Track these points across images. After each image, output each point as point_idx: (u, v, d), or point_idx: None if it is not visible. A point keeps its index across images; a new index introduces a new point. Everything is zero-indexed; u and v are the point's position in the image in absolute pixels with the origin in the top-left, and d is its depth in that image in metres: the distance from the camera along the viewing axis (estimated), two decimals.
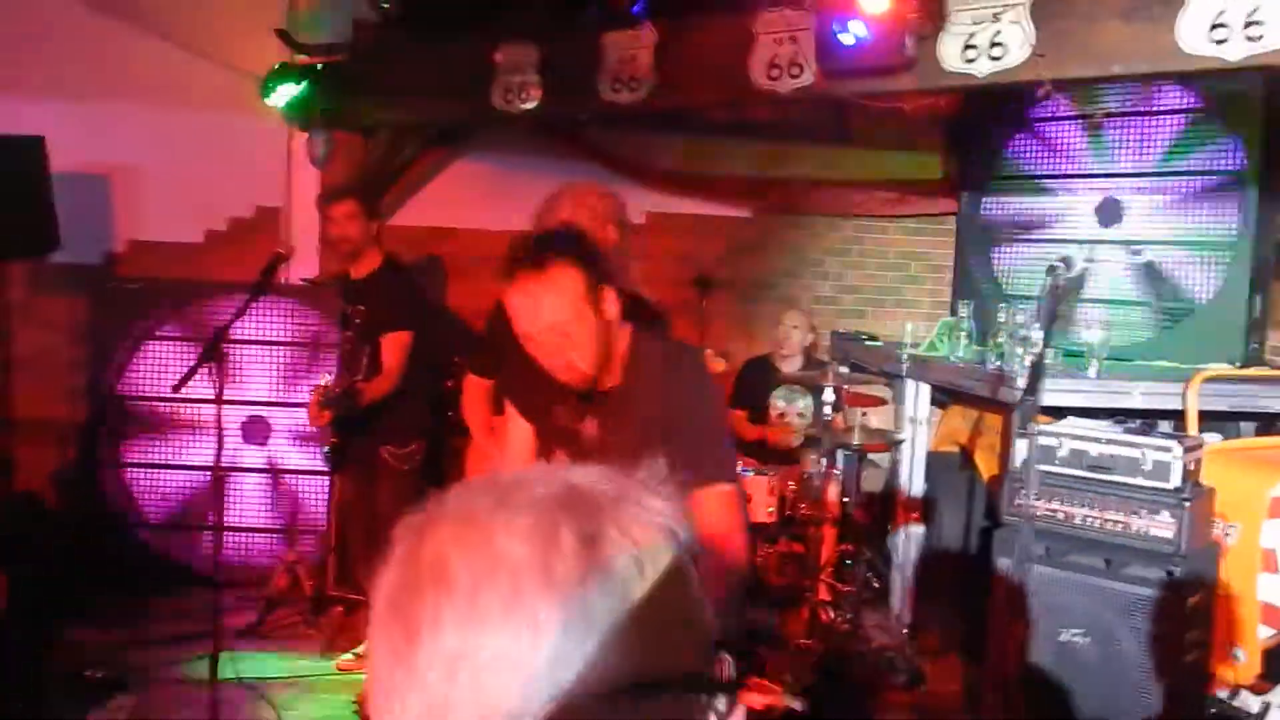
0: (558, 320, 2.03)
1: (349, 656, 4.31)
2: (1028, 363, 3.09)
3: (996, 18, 3.22)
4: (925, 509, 4.72)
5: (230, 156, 5.47)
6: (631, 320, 2.22)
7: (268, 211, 5.59)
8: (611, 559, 0.68)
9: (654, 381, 2.14)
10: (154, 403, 4.94)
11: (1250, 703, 3.27)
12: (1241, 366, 4.32)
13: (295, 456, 5.05)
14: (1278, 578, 3.52)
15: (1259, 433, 4.17)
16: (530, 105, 4.40)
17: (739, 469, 2.18)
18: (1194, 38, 2.97)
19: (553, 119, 4.62)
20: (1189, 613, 3.39)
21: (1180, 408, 3.89)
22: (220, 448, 3.34)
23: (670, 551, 0.72)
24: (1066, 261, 2.75)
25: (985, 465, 4.55)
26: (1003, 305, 4.55)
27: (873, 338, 5.28)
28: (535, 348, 2.07)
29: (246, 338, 4.93)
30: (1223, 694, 3.33)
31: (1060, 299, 2.76)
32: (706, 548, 2.01)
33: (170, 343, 4.94)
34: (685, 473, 2.05)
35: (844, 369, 4.97)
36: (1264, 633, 3.54)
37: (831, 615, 4.46)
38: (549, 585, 0.66)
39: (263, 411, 5.03)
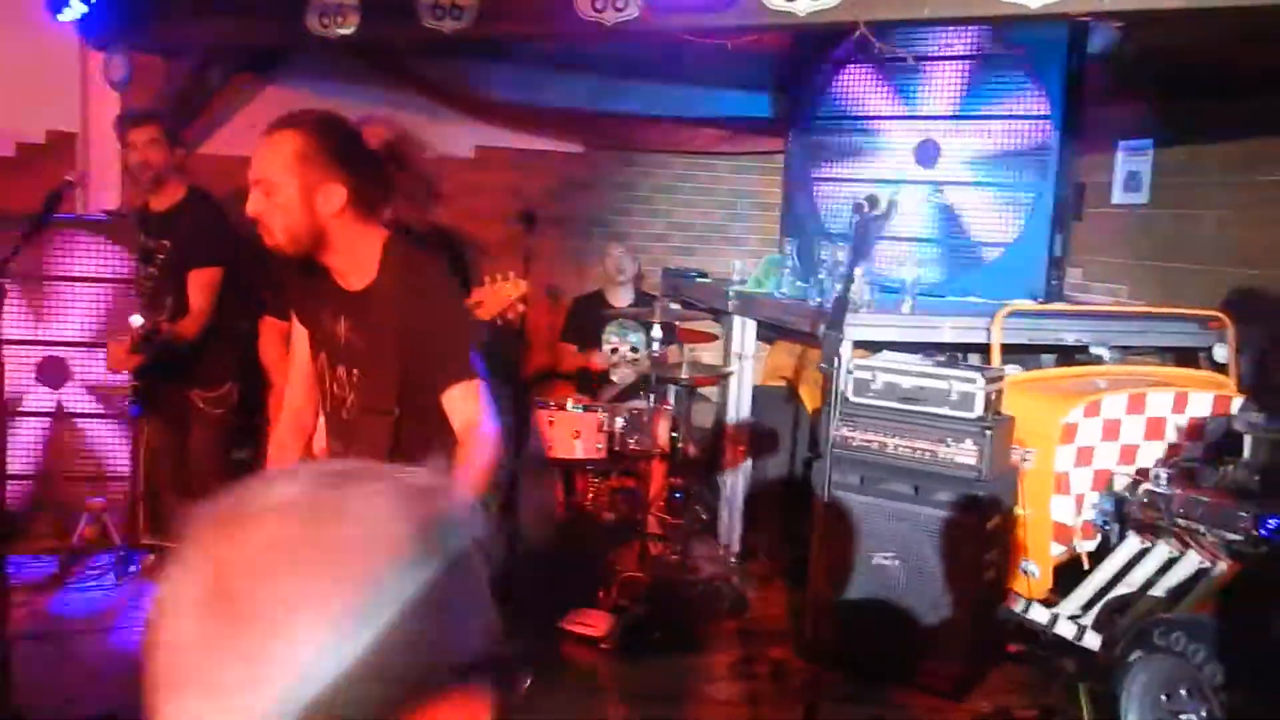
0: (263, 176, 2.09)
1: None
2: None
3: None
4: (752, 442, 4.85)
5: (16, 77, 4.99)
6: (421, 246, 2.31)
7: (61, 136, 5.16)
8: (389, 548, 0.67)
9: (397, 287, 2.19)
10: None
11: (1040, 614, 3.52)
12: (1043, 302, 4.59)
13: (95, 401, 4.74)
14: (1068, 499, 3.79)
15: (1058, 364, 4.45)
16: (347, 31, 4.19)
17: (479, 368, 2.22)
18: None
19: (371, 46, 4.41)
20: (989, 533, 3.62)
21: (986, 341, 4.10)
22: (1, 388, 3.08)
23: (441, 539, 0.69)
24: (871, 200, 2.83)
25: (809, 398, 4.70)
26: (825, 242, 4.67)
27: (702, 274, 5.34)
28: (249, 203, 2.11)
29: (39, 274, 4.57)
30: (1017, 607, 3.56)
31: (866, 236, 2.84)
32: (463, 439, 2.11)
33: None
34: (434, 373, 2.10)
35: (674, 305, 5.02)
36: (1055, 550, 3.81)
37: (661, 548, 4.55)
38: (339, 580, 0.64)
39: (60, 353, 4.69)
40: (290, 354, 2.47)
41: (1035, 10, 3.10)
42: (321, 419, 2.41)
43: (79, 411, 4.75)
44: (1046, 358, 4.55)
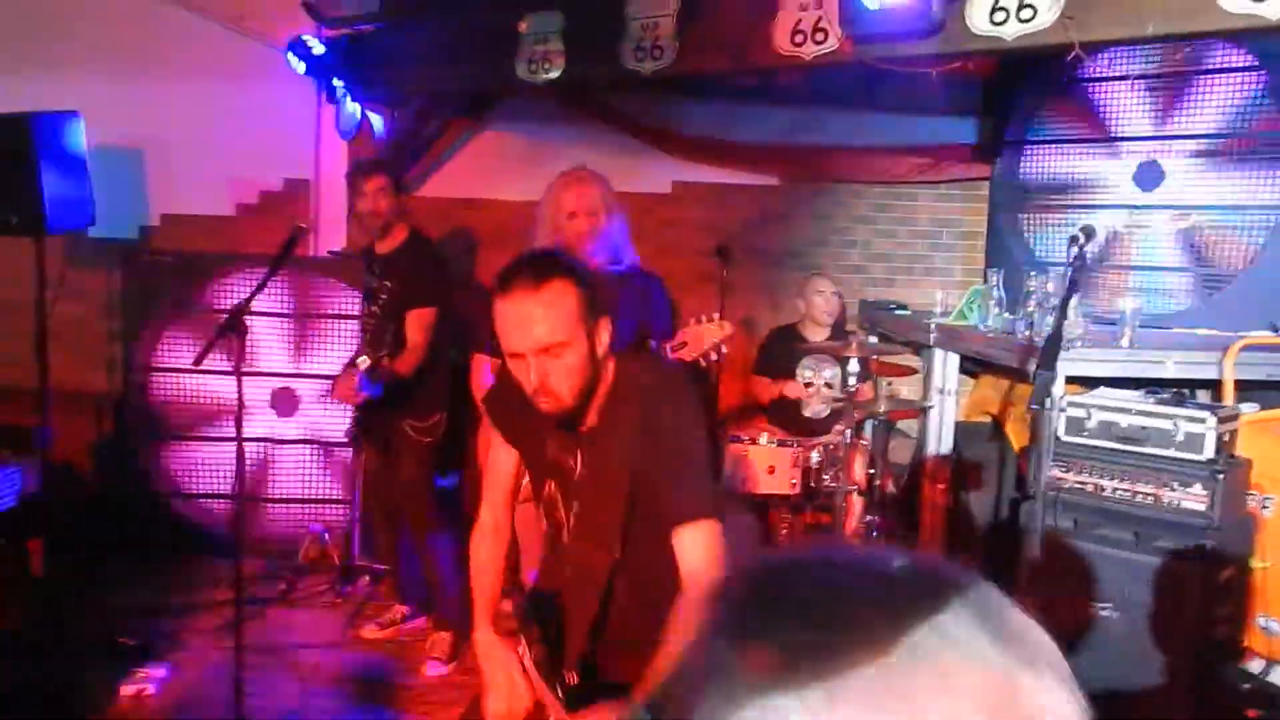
0: (552, 341, 1.92)
1: (373, 627, 4.37)
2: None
3: None
4: (954, 480, 4.66)
5: (259, 129, 5.49)
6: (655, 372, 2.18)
7: (296, 184, 5.61)
8: None
9: (633, 419, 2.03)
10: (183, 375, 5.00)
11: None
12: None
13: (322, 429, 5.09)
14: None
15: None
16: (554, 74, 4.36)
17: (723, 489, 2.12)
18: None
19: (576, 88, 4.56)
20: (1221, 587, 3.32)
21: (1218, 377, 3.79)
22: (240, 419, 3.36)
23: None
24: (1087, 231, 2.68)
25: (1016, 436, 4.48)
26: (1034, 273, 4.45)
27: (901, 306, 5.20)
28: (521, 370, 1.96)
29: (273, 310, 4.97)
30: (1255, 668, 3.26)
31: (1081, 270, 2.69)
32: (686, 588, 1.94)
33: (201, 315, 4.99)
34: (664, 511, 1.98)
35: (872, 338, 4.91)
36: None
37: None
38: None
39: (290, 383, 5.07)
40: (486, 475, 2.38)
41: (1275, 21, 2.86)
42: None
43: (305, 439, 5.11)
44: None
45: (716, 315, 3.24)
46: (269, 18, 5.25)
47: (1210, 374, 3.81)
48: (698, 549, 1.96)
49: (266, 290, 3.47)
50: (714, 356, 3.24)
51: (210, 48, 5.39)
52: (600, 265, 3.43)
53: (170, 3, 5.37)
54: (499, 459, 2.32)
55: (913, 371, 4.88)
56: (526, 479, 2.39)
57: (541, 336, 1.91)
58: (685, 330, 3.23)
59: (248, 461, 4.82)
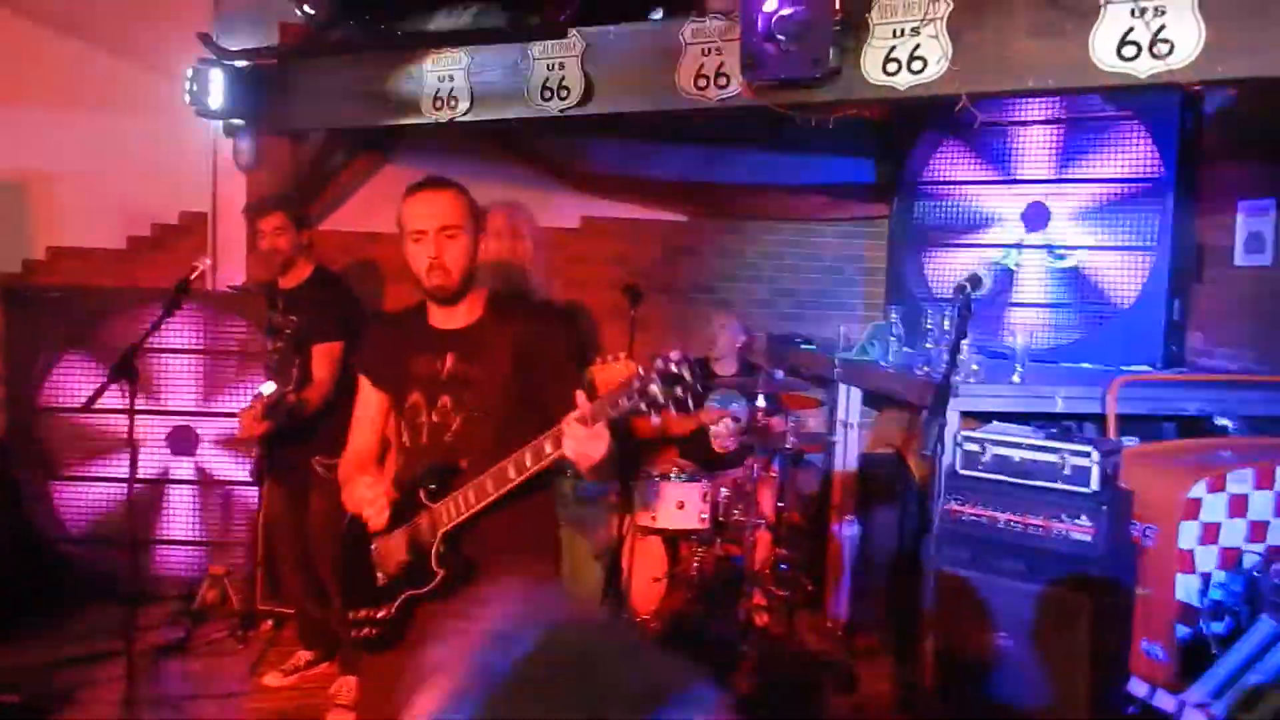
0: (451, 223, 2.38)
1: (277, 674, 4.25)
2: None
3: (916, 31, 3.26)
4: (859, 511, 4.77)
5: (153, 161, 5.35)
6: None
7: (194, 216, 5.47)
8: None
9: (503, 317, 2.46)
10: (74, 415, 4.82)
11: (1166, 701, 3.34)
12: (1162, 369, 4.42)
13: (223, 467, 4.96)
14: (1194, 578, 3.61)
15: (1180, 435, 4.27)
16: (460, 113, 4.36)
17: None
18: (1106, 54, 3.03)
19: (482, 126, 4.57)
20: (1108, 613, 3.47)
21: (1102, 412, 3.97)
22: (135, 460, 3.26)
23: None
24: (974, 280, 2.79)
25: (917, 468, 4.61)
26: (930, 310, 4.60)
27: (808, 341, 5.32)
28: (420, 247, 2.39)
29: (171, 346, 4.84)
30: (1140, 692, 3.40)
31: (967, 318, 2.80)
32: None
33: (92, 353, 4.83)
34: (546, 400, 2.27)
35: (779, 373, 5.01)
36: (1181, 632, 3.62)
37: (767, 619, 4.49)
38: None
39: (189, 421, 4.93)
40: (355, 413, 2.67)
41: (1144, 79, 3.04)
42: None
43: (212, 479, 4.96)
44: (1168, 428, 4.37)
45: (621, 355, 3.25)
46: (164, 48, 5.14)
47: (1096, 409, 3.99)
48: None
49: (166, 326, 3.39)
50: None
51: (101, 78, 5.25)
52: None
53: (58, 32, 5.21)
54: (367, 403, 2.63)
55: (818, 404, 4.99)
56: None
57: (443, 218, 2.39)
58: (591, 369, 3.22)
59: (142, 503, 4.68)
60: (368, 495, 2.43)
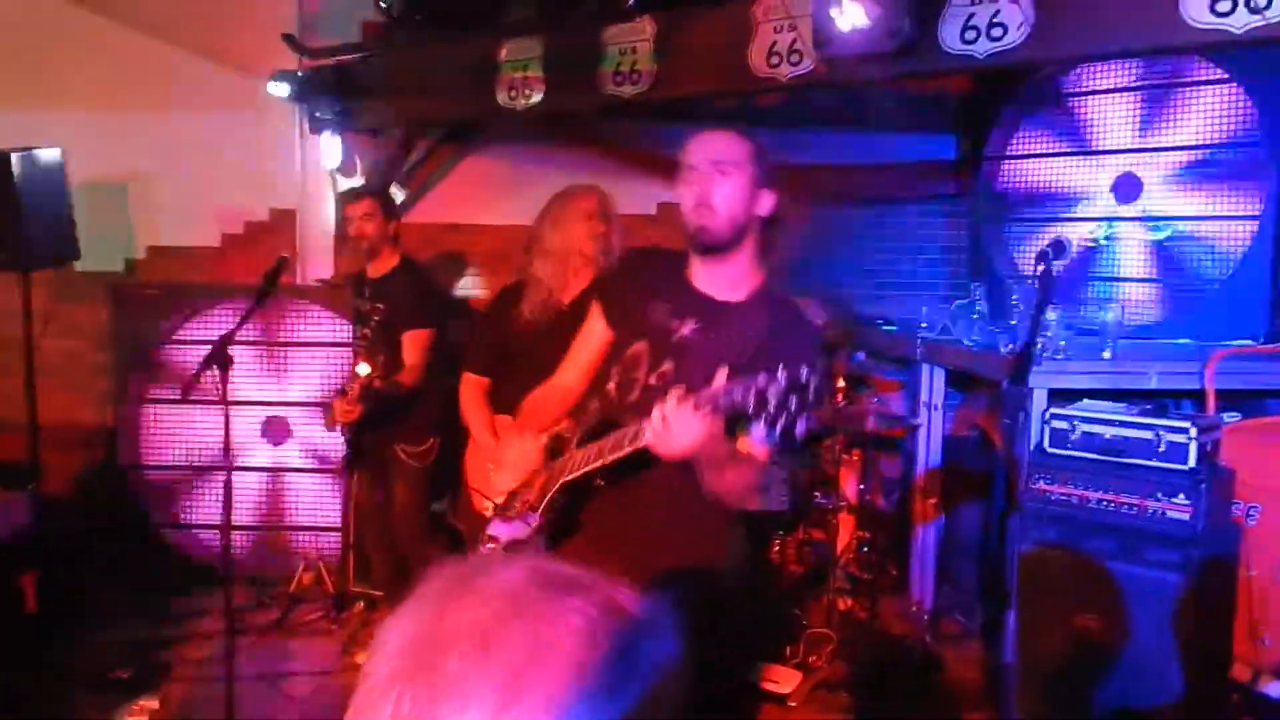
0: (725, 159, 2.15)
1: (366, 654, 4.35)
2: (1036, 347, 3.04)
3: None
4: (944, 494, 4.68)
5: (244, 160, 5.52)
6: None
7: (282, 214, 5.63)
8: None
9: (770, 319, 2.18)
10: (175, 405, 5.01)
11: (1273, 688, 3.20)
12: (1264, 343, 4.23)
13: (316, 455, 5.09)
14: None
15: None
16: (534, 101, 4.39)
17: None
18: (1198, 9, 2.90)
19: (557, 113, 4.60)
20: (1208, 596, 3.33)
21: (1200, 387, 3.82)
22: (228, 449, 3.37)
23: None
24: (1055, 246, 2.70)
25: (1004, 446, 4.49)
26: (1016, 286, 4.48)
27: (889, 322, 5.23)
28: (688, 186, 2.17)
29: (261, 339, 4.99)
30: (1244, 678, 3.27)
31: (1049, 285, 2.71)
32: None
33: (190, 346, 5.01)
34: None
35: (860, 355, 4.93)
36: None
37: (850, 603, 4.44)
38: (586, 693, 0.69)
39: (280, 412, 5.08)
40: (573, 347, 2.49)
41: (1240, 35, 2.90)
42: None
43: (298, 467, 5.11)
44: (1272, 404, 4.18)
45: None
46: (250, 50, 5.29)
47: (1192, 384, 3.84)
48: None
49: (255, 320, 3.50)
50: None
51: (192, 81, 5.43)
52: None
53: (152, 37, 5.40)
54: (589, 337, 2.44)
55: (901, 387, 4.90)
56: None
57: (719, 152, 2.16)
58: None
59: (242, 491, 4.84)
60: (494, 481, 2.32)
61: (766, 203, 2.21)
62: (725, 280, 2.25)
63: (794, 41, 3.66)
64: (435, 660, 0.69)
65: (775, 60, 3.72)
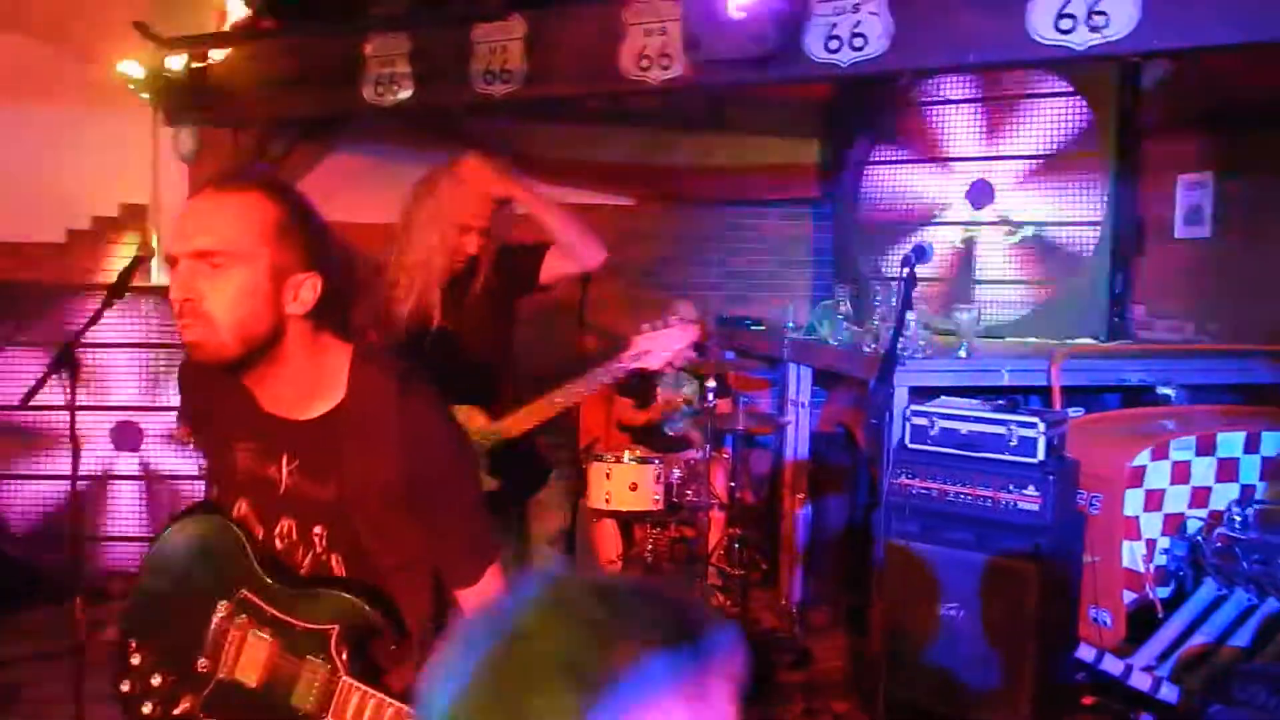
0: (210, 246, 1.49)
1: None
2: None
3: (856, 8, 3.27)
4: (811, 489, 4.80)
5: (92, 153, 5.24)
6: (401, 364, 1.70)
7: (134, 209, 5.37)
8: None
9: (383, 437, 1.57)
10: (14, 411, 4.71)
11: (1113, 665, 3.41)
12: (1106, 341, 4.50)
13: (169, 462, 4.88)
14: (1139, 544, 3.68)
15: (1123, 406, 4.35)
16: (402, 97, 4.31)
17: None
18: (1043, 26, 3.06)
19: (424, 111, 4.53)
20: (1056, 581, 3.53)
21: (1047, 384, 4.03)
22: (76, 456, 3.19)
23: None
24: (918, 251, 2.81)
25: (867, 443, 4.65)
26: (878, 287, 4.64)
27: (756, 322, 5.34)
28: (172, 280, 1.52)
29: (112, 340, 4.74)
30: (1088, 657, 3.46)
31: (912, 288, 2.82)
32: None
33: (32, 349, 4.72)
34: (451, 561, 1.64)
35: (729, 354, 5.02)
36: (1127, 597, 3.70)
37: (722, 599, 4.51)
38: None
39: (132, 416, 4.85)
40: None
41: (1081, 51, 3.07)
42: None
43: (148, 474, 4.88)
44: (1111, 399, 4.45)
45: (677, 316, 2.95)
46: (98, 38, 5.02)
47: (1041, 382, 4.04)
48: (483, 599, 1.63)
49: (107, 320, 3.32)
50: (679, 363, 3.07)
51: (38, 69, 5.12)
52: None
53: None
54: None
55: (768, 385, 5.01)
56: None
57: (202, 239, 1.49)
58: (644, 338, 2.94)
59: (86, 499, 4.59)
60: None
61: (308, 295, 1.55)
62: (295, 392, 1.61)
63: (664, 45, 3.70)
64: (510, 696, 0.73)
65: (645, 63, 3.76)
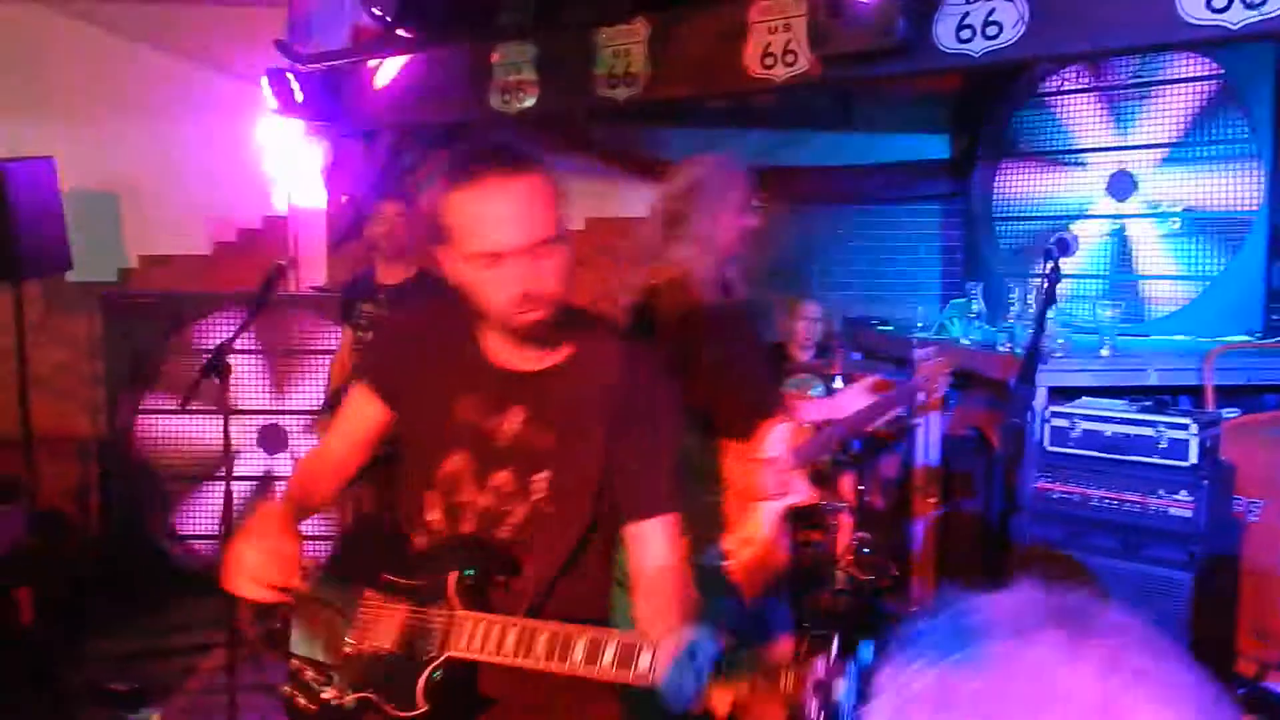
0: (544, 236, 1.57)
1: None
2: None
3: None
4: (943, 493, 4.67)
5: (236, 167, 5.49)
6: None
7: (274, 221, 5.61)
8: None
9: (606, 383, 1.69)
10: (169, 416, 4.98)
11: (1277, 682, 3.20)
12: (1261, 338, 4.24)
13: None
14: None
15: None
16: (527, 104, 4.38)
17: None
18: (1194, 6, 2.90)
19: (551, 117, 4.59)
20: (1212, 592, 3.33)
21: (1199, 383, 3.82)
22: (228, 458, 3.35)
23: None
24: (1061, 244, 2.70)
25: (1003, 444, 4.48)
26: (1012, 285, 4.48)
27: (884, 322, 5.22)
28: (501, 274, 1.58)
29: (256, 348, 4.95)
30: (1248, 673, 3.26)
31: (1056, 283, 2.71)
32: (655, 582, 1.69)
33: (184, 356, 4.97)
34: (630, 499, 1.70)
35: (856, 355, 4.93)
36: None
37: (850, 604, 4.42)
38: None
39: (277, 420, 5.05)
40: (326, 441, 1.95)
41: (1237, 30, 2.90)
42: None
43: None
44: (1271, 399, 4.18)
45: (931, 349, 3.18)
46: (242, 56, 5.27)
47: (1192, 380, 3.84)
48: (660, 542, 1.69)
49: (250, 329, 3.48)
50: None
51: (183, 87, 5.41)
52: None
53: (142, 43, 5.38)
54: (358, 415, 1.86)
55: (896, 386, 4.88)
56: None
57: (537, 230, 1.57)
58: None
59: (239, 499, 4.81)
60: (255, 566, 1.65)
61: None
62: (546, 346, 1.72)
63: (789, 42, 3.65)
64: None
65: (770, 61, 3.72)
